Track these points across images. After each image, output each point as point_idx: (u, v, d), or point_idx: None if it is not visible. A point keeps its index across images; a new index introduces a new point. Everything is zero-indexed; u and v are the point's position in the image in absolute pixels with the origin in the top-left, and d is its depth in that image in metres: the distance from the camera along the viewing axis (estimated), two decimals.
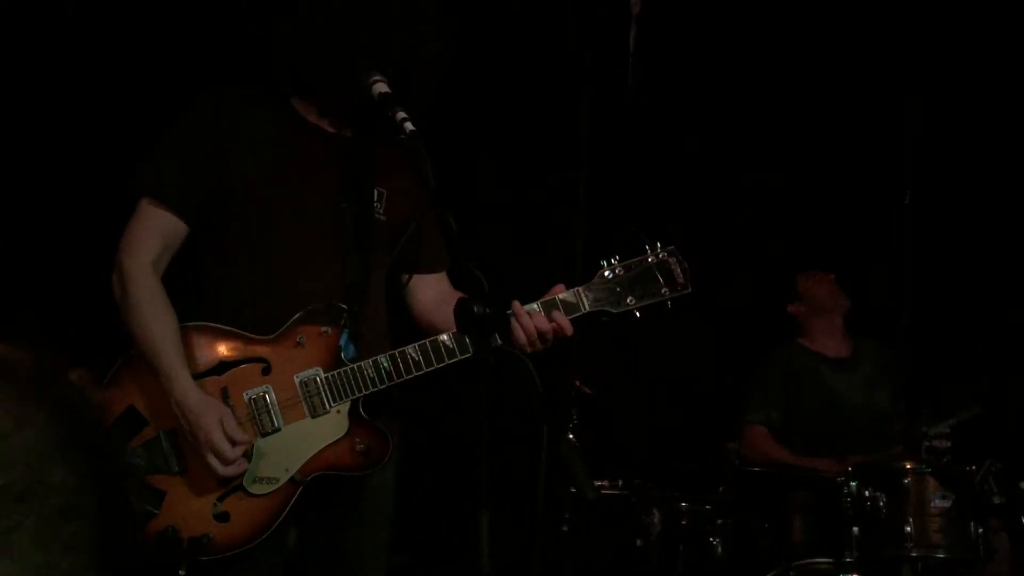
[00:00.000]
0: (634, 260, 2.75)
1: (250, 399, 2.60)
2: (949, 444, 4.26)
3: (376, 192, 2.75)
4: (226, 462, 2.54)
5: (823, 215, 5.28)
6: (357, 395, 2.63)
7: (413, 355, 2.63)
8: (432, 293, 2.87)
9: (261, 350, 2.62)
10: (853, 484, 4.07)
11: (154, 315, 2.59)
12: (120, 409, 2.61)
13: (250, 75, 2.77)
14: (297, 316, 2.63)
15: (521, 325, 2.62)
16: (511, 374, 2.61)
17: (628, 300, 2.71)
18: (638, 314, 2.73)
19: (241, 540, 2.56)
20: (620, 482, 4.37)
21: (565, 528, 4.20)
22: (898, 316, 4.91)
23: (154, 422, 2.61)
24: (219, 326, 2.64)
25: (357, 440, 2.64)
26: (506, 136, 4.99)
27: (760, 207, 5.28)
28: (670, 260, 2.75)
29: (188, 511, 2.56)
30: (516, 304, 2.66)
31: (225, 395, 2.60)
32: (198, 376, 2.60)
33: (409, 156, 2.45)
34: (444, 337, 2.64)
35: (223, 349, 2.63)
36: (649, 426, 5.05)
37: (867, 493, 4.05)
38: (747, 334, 5.07)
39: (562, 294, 2.73)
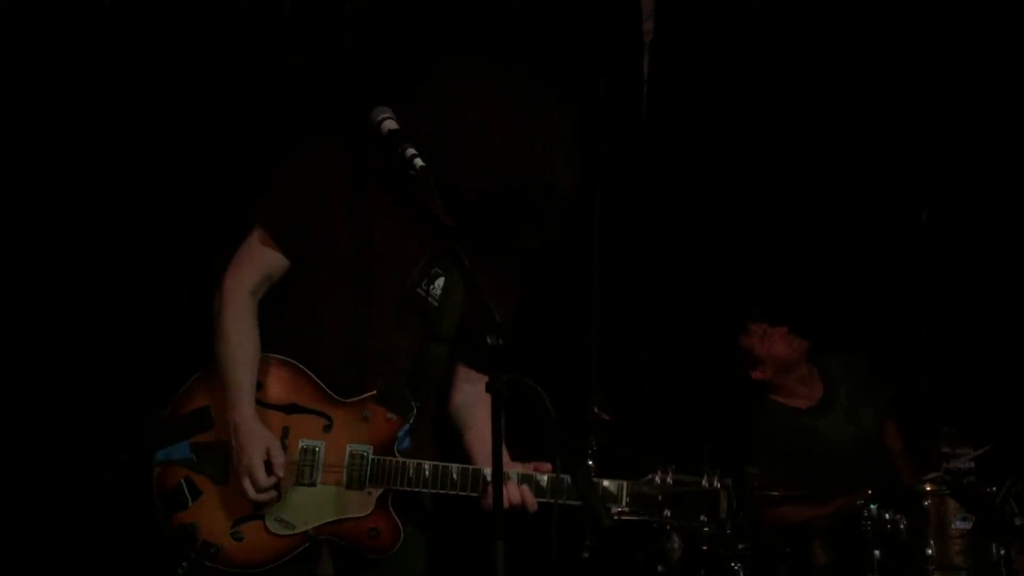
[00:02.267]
0: (688, 478, 2.84)
1: (302, 447, 2.74)
2: (972, 465, 4.25)
3: (447, 281, 2.84)
4: (258, 489, 2.68)
5: (837, 237, 5.26)
6: (393, 487, 2.74)
7: (453, 476, 2.74)
8: (470, 388, 2.98)
9: (330, 408, 2.76)
10: (873, 507, 4.06)
11: (238, 337, 2.74)
12: (195, 406, 2.76)
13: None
14: (372, 393, 2.76)
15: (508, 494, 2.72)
16: (524, 402, 2.67)
17: (666, 513, 2.81)
18: (668, 525, 2.85)
19: (243, 564, 2.72)
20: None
21: (585, 554, 4.22)
22: (916, 335, 4.89)
23: (219, 429, 2.75)
24: (304, 369, 2.77)
25: (373, 525, 2.74)
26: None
27: (775, 229, 5.27)
28: (720, 493, 2.82)
29: (212, 518, 2.72)
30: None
31: (285, 433, 2.74)
32: (268, 405, 2.75)
33: (419, 191, 2.50)
34: (486, 471, 2.74)
35: (299, 392, 2.76)
36: (668, 451, 5.04)
37: (887, 516, 4.04)
38: None
39: (606, 481, 2.83)
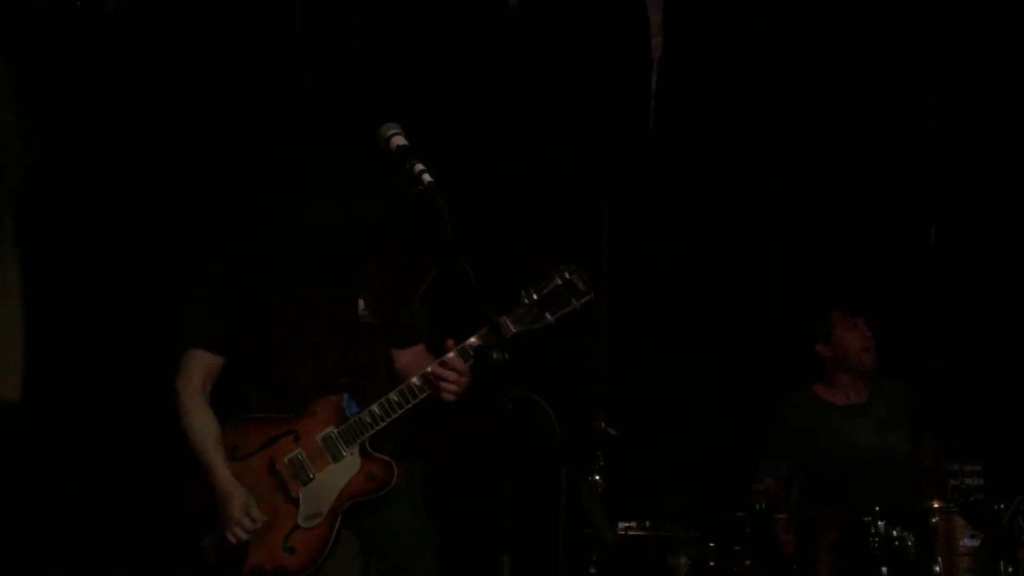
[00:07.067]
0: (545, 283, 3.27)
1: (289, 460, 3.34)
2: (982, 482, 4.24)
3: (362, 302, 3.41)
4: (245, 531, 3.29)
5: (847, 254, 5.26)
6: (362, 438, 3.32)
7: (394, 398, 3.29)
8: (409, 358, 3.50)
9: (291, 425, 3.37)
10: (881, 524, 4.05)
11: (199, 425, 3.36)
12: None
13: None
14: (312, 398, 3.37)
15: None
16: (531, 418, 2.68)
17: (547, 317, 3.25)
18: (553, 321, 3.23)
19: (308, 562, 3.28)
20: (647, 523, 4.38)
21: (593, 570, 4.21)
22: (924, 353, 4.89)
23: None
24: (262, 416, 3.39)
25: (367, 471, 3.32)
26: (530, 177, 5.06)
27: (784, 247, 5.27)
28: (573, 276, 3.27)
29: (265, 551, 3.30)
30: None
31: (271, 464, 3.33)
32: (249, 455, 3.35)
33: (428, 207, 2.53)
34: (414, 380, 3.28)
35: (264, 431, 3.38)
36: (676, 467, 5.05)
37: (895, 533, 4.03)
38: (774, 374, 5.05)
39: (504, 318, 3.20)
